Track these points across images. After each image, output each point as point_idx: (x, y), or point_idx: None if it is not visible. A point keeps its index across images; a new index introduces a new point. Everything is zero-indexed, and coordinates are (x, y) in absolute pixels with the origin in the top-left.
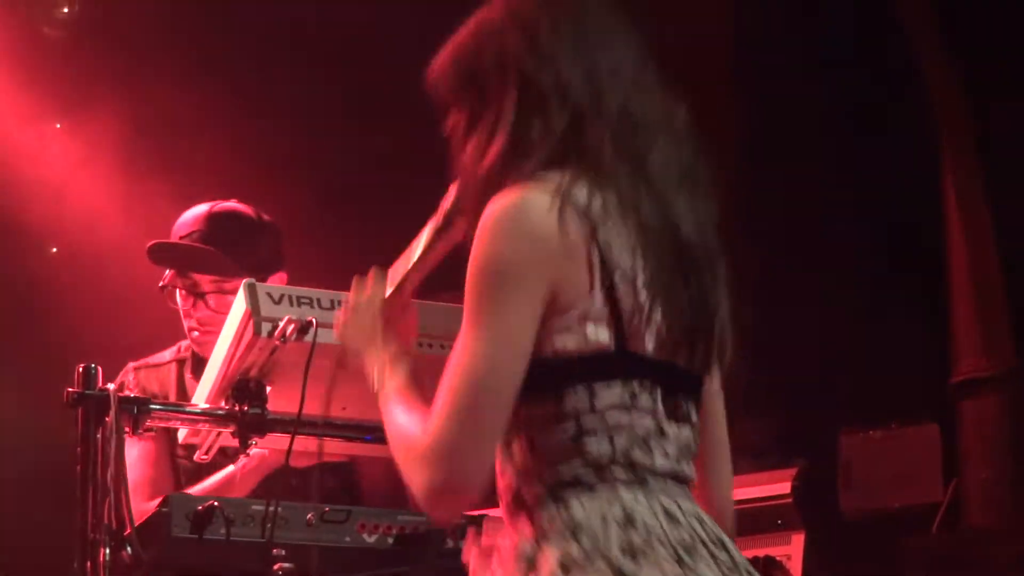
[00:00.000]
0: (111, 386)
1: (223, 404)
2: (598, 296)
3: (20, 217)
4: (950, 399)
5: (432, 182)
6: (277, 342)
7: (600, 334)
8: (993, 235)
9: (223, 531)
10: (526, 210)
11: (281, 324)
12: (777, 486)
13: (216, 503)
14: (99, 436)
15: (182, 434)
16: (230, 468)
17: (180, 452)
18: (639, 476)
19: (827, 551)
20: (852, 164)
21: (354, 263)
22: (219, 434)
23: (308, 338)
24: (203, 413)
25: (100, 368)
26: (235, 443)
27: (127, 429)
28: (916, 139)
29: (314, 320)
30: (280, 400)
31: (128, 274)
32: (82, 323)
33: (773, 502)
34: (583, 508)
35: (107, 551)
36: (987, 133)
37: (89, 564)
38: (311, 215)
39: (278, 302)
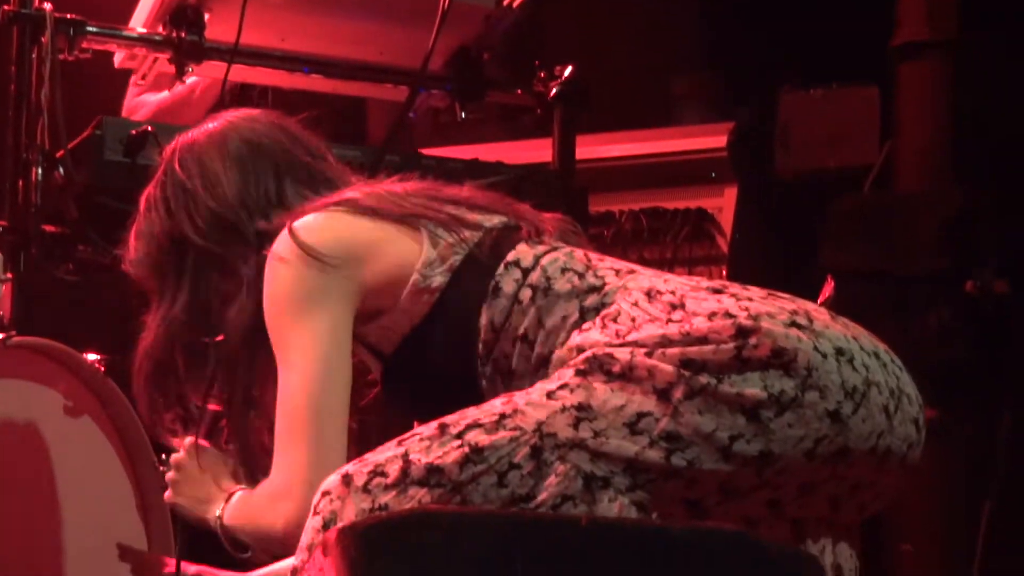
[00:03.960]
0: (48, 6)
1: (160, 30)
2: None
3: None
4: (890, 62)
5: None
6: None
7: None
8: None
9: (156, 157)
10: None
11: None
12: (712, 139)
13: (150, 128)
14: (34, 56)
15: (118, 58)
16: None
17: None
18: None
19: (759, 206)
20: None
21: None
22: (156, 60)
23: None
24: (140, 38)
25: None
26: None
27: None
28: None
29: None
30: (218, 28)
31: None
32: None
33: (708, 155)
34: None
35: (39, 171)
36: None
37: (21, 183)
38: None
39: None
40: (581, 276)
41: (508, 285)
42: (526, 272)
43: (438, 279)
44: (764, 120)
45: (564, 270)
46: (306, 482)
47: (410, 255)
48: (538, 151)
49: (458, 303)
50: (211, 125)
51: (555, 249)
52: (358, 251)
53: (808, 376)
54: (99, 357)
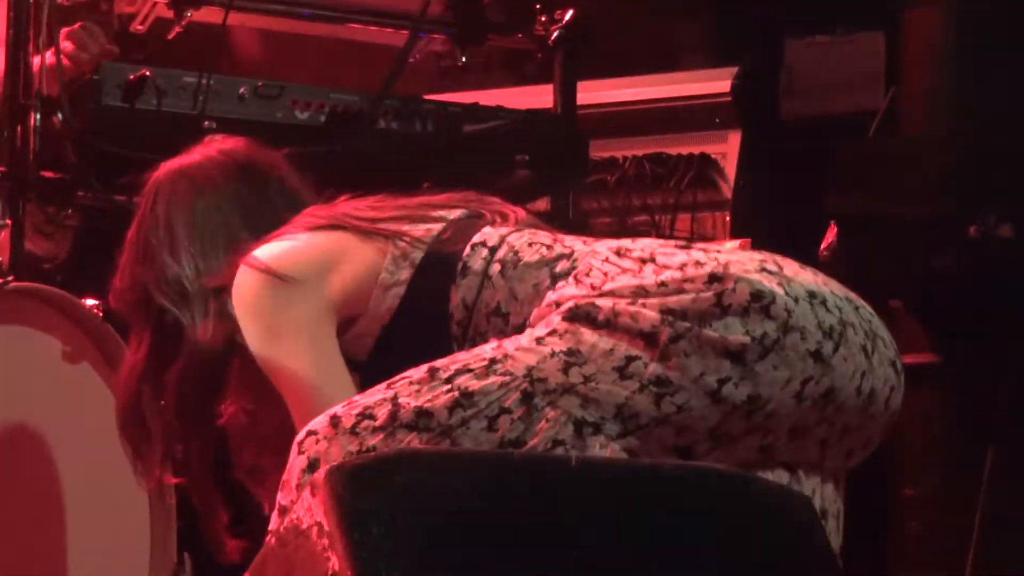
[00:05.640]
0: None
1: None
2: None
3: None
4: (895, 7)
5: None
6: None
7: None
8: None
9: (155, 101)
10: None
11: None
12: (716, 84)
13: (148, 72)
14: (32, 1)
15: (118, 3)
16: None
17: None
18: None
19: (763, 152)
20: None
21: None
22: (155, 4)
23: None
24: None
25: None
26: None
27: None
28: None
29: None
30: None
31: None
32: None
33: (711, 100)
34: None
35: (38, 116)
36: None
37: (20, 129)
38: None
39: None
40: (549, 247)
41: (476, 263)
42: (493, 250)
43: (405, 272)
44: (769, 66)
45: (531, 243)
46: None
47: (376, 257)
48: (543, 97)
49: (427, 289)
50: (193, 160)
51: (519, 230)
52: (321, 262)
53: (788, 318)
54: (97, 302)
